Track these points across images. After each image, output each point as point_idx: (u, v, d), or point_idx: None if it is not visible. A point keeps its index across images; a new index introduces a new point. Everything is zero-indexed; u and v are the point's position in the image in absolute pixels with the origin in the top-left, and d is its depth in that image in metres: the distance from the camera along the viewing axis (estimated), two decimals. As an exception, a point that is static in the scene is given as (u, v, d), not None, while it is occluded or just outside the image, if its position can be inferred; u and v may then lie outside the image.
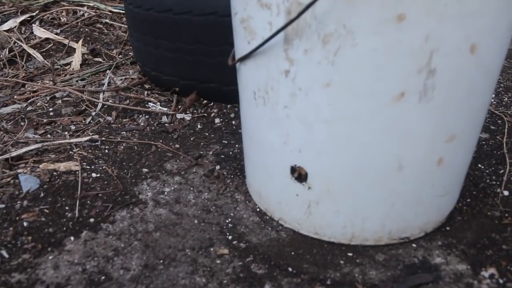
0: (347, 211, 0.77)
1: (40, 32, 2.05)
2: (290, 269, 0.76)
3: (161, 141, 1.20)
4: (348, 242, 0.81)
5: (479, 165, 1.07)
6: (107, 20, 2.31)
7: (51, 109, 1.40)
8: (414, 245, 0.81)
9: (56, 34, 2.07)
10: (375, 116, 0.67)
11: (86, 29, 2.15)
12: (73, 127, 1.28)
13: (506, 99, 1.45)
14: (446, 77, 0.66)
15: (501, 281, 0.73)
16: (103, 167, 1.07)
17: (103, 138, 1.21)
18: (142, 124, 1.30)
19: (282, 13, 0.66)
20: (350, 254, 0.79)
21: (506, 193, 0.96)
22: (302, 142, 0.74)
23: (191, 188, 0.99)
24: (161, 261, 0.78)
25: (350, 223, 0.79)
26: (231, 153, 1.13)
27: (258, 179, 0.88)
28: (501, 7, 0.63)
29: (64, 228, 0.87)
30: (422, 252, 0.80)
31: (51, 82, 1.63)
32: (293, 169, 0.78)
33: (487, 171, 1.04)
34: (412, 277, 0.73)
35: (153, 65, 1.43)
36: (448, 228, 0.86)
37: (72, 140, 1.17)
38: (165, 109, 1.38)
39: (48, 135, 1.24)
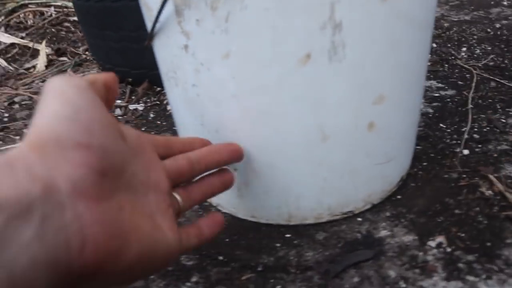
0: (277, 191, 0.71)
1: (5, 38, 2.01)
2: (221, 258, 0.71)
3: (112, 135, 1.16)
4: (287, 223, 0.75)
5: (441, 125, 0.99)
6: (75, 18, 2.26)
7: (6, 114, 1.37)
8: (359, 219, 0.75)
9: (22, 38, 2.04)
10: (283, 85, 0.61)
11: (53, 30, 2.11)
12: (26, 131, 1.24)
13: (478, 51, 1.35)
14: (357, 31, 0.59)
15: (448, 249, 0.67)
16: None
17: (54, 139, 1.17)
18: (96, 120, 1.26)
19: (168, -18, 0.59)
20: (288, 236, 0.73)
21: (466, 152, 0.88)
22: (217, 122, 0.68)
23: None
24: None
25: (284, 203, 0.73)
26: (180, 140, 1.08)
27: (192, 165, 0.83)
28: None
29: None
30: (367, 226, 0.74)
31: (12, 87, 1.60)
32: (217, 151, 0.72)
33: (449, 130, 0.97)
34: (351, 255, 0.68)
35: (105, 58, 1.38)
36: (399, 197, 0.79)
37: (19, 145, 1.13)
38: (119, 101, 1.33)
39: (0, 142, 1.20)
